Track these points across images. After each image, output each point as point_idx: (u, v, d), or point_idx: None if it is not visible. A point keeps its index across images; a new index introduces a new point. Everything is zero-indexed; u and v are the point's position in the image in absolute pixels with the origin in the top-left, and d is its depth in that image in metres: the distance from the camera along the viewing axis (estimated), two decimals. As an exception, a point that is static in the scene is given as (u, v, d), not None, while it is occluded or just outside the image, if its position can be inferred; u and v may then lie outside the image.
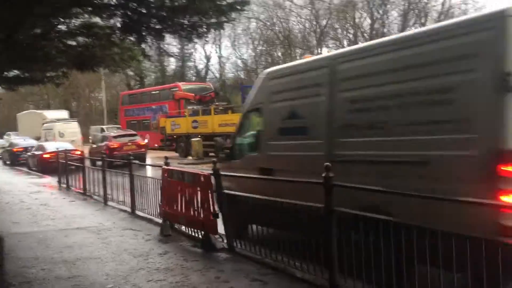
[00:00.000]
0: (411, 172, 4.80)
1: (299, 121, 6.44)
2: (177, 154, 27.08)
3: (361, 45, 7.29)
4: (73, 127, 32.29)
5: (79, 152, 19.16)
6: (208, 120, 25.43)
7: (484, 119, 4.26)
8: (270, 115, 7.02)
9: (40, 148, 23.45)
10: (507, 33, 4.13)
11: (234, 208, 6.55)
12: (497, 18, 4.27)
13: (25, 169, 24.15)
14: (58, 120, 35.79)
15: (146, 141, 31.76)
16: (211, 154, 23.03)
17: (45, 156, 21.74)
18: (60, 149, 19.82)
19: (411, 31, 5.58)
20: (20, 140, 30.39)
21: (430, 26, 5.62)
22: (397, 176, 4.87)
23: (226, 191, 6.75)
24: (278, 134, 6.82)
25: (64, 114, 42.74)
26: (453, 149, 4.46)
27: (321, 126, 6.00)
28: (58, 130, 31.41)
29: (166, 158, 8.66)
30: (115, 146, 22.30)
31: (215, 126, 24.62)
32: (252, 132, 7.77)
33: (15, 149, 27.79)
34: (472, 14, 5.69)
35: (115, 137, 23.86)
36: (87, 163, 14.38)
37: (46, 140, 29.04)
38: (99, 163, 13.01)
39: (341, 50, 7.34)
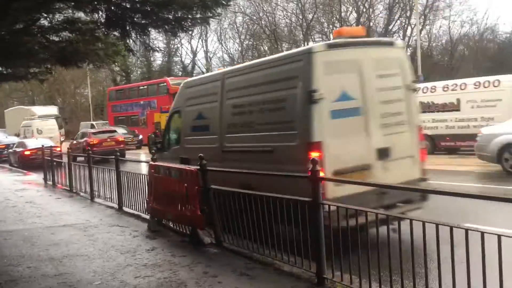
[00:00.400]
0: (265, 157, 6.67)
1: (203, 121, 8.32)
2: None
3: (238, 65, 9.46)
4: (51, 124, 32.94)
5: (59, 149, 19.36)
6: None
7: (300, 121, 6.14)
8: (185, 116, 8.90)
9: (21, 145, 23.64)
10: (312, 63, 6.04)
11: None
12: (306, 53, 6.21)
13: (7, 166, 24.54)
14: (40, 117, 36.11)
15: (140, 137, 31.42)
16: None
17: (26, 153, 22.34)
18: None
19: (261, 59, 8.60)
20: (1, 137, 30.81)
21: (271, 56, 7.74)
22: (258, 161, 6.71)
23: (213, 186, 6.74)
24: (191, 131, 8.69)
25: (53, 110, 42.28)
26: (286, 141, 6.35)
27: (216, 125, 7.89)
28: (36, 127, 32.04)
29: (153, 154, 8.61)
30: (94, 142, 23.09)
31: None
32: (175, 129, 9.49)
33: None
34: (293, 50, 7.94)
35: (94, 133, 24.94)
36: (65, 159, 14.42)
37: (25, 137, 29.49)
38: (80, 158, 12.99)
39: (228, 68, 9.47)
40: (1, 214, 10.04)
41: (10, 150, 25.11)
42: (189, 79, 10.13)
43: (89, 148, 15.77)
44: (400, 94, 6.67)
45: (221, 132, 7.72)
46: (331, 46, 6.33)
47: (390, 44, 7.09)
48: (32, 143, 23.10)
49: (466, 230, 3.62)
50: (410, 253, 4.00)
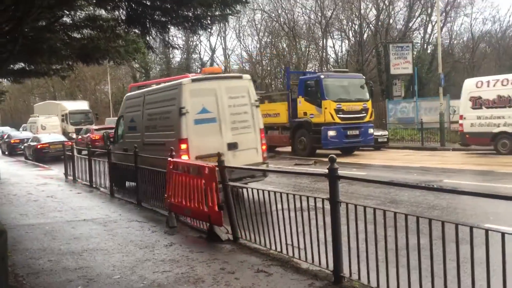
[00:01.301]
0: (161, 148, 9.87)
1: (134, 123, 11.87)
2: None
3: (152, 88, 12.08)
4: (54, 121, 36.91)
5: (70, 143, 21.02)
6: None
7: (176, 126, 9.74)
8: (125, 120, 12.48)
9: (35, 139, 25.76)
10: (182, 91, 9.73)
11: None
12: (179, 85, 9.97)
13: (22, 159, 26.66)
14: (71, 112, 37.40)
15: None
16: None
17: (39, 146, 24.52)
18: (56, 141, 24.20)
19: (160, 85, 11.89)
20: (17, 132, 34.96)
21: (165, 84, 11.53)
22: (159, 150, 9.77)
23: (231, 183, 6.78)
24: (128, 130, 12.28)
25: (84, 104, 42.30)
26: (169, 138, 9.85)
27: (140, 127, 11.44)
28: (41, 123, 35.99)
29: (172, 150, 8.69)
30: (96, 138, 24.28)
31: None
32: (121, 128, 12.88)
33: (12, 141, 31.23)
34: (173, 82, 10.99)
35: (96, 129, 26.03)
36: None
37: (32, 132, 32.90)
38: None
39: (146, 89, 12.22)
40: (23, 208, 10.25)
41: (25, 144, 26.98)
42: (128, 94, 13.29)
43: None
44: (247, 108, 10.38)
45: (142, 131, 11.33)
46: (194, 80, 10.12)
47: (240, 77, 11.08)
48: (45, 137, 25.33)
49: (486, 231, 3.58)
50: (428, 252, 3.97)
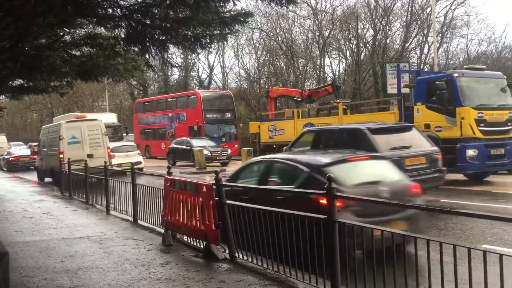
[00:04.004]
0: (55, 156, 18.69)
1: (43, 143, 20.96)
2: None
3: (47, 125, 20.41)
4: (1, 140, 42.26)
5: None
6: (333, 122, 18.37)
7: (57, 146, 19.23)
8: (40, 141, 21.75)
9: (9, 153, 32.65)
10: (60, 127, 19.04)
11: None
12: (59, 124, 19.62)
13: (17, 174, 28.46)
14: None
15: (229, 151, 27.10)
16: None
17: (11, 159, 31.60)
18: (24, 154, 31.27)
19: (53, 123, 20.25)
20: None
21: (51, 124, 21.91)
22: (54, 158, 18.96)
23: (228, 201, 6.76)
24: (42, 147, 21.21)
25: (112, 117, 36.69)
26: (56, 151, 19.08)
27: (46, 145, 20.53)
28: None
29: (169, 167, 8.68)
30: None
31: None
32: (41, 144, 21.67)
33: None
34: (56, 122, 21.59)
35: (35, 145, 29.37)
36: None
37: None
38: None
39: (48, 125, 19.72)
40: (18, 225, 10.17)
41: (1, 157, 33.74)
42: (43, 126, 19.24)
43: (106, 162, 15.92)
44: (99, 136, 19.07)
45: (47, 147, 19.89)
46: (68, 122, 19.52)
47: (96, 120, 20.18)
48: (17, 152, 32.93)
49: (484, 252, 3.58)
50: (426, 272, 3.96)
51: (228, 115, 31.71)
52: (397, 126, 12.07)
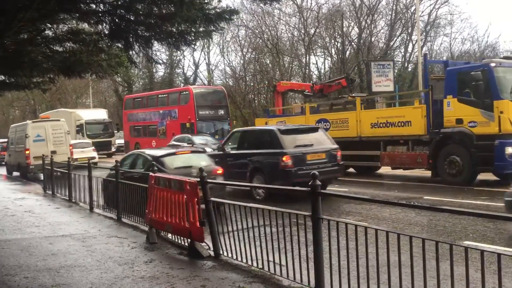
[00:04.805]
0: (22, 152, 21.79)
1: (12, 140, 23.41)
2: None
3: (15, 124, 24.13)
4: None
5: None
6: (350, 118, 17.03)
7: (24, 144, 21.58)
8: (9, 138, 24.03)
9: None
10: (27, 126, 21.47)
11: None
12: (26, 123, 22.07)
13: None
14: (87, 121, 34.16)
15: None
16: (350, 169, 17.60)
17: None
18: None
19: (21, 123, 23.05)
20: None
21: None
22: (20, 153, 21.83)
23: (213, 198, 6.74)
24: (10, 144, 23.64)
25: (102, 113, 37.49)
26: (22, 147, 21.53)
27: (13, 142, 22.90)
28: None
29: (153, 165, 8.62)
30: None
31: (364, 127, 16.38)
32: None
33: None
34: (24, 122, 23.48)
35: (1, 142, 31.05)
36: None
37: None
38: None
39: (15, 124, 23.97)
40: (0, 223, 10.01)
41: None
42: (11, 125, 23.21)
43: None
44: (62, 135, 21.30)
45: (14, 144, 22.46)
46: (34, 122, 22.48)
47: (59, 120, 22.51)
48: None
49: (466, 248, 3.62)
50: (409, 269, 3.99)
51: (222, 112, 30.44)
52: (304, 128, 13.91)
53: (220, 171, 10.80)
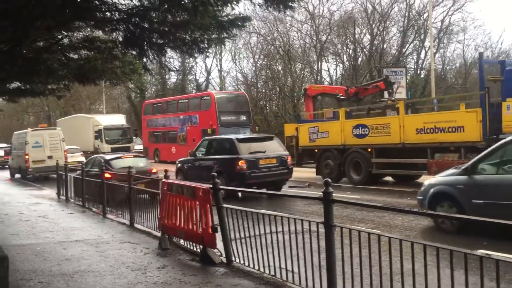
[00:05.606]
0: (22, 157, 24.64)
1: (15, 145, 26.48)
2: (317, 176, 17.99)
3: (17, 132, 27.55)
4: None
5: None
6: (392, 124, 15.52)
7: (24, 149, 24.51)
8: (12, 144, 27.23)
9: None
10: (26, 134, 24.37)
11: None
12: (26, 131, 25.01)
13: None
14: (106, 127, 33.23)
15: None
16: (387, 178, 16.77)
17: None
18: None
19: (23, 130, 25.58)
20: None
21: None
22: (21, 157, 25.21)
23: (226, 205, 6.76)
24: (13, 150, 26.90)
25: (121, 119, 36.46)
26: (22, 153, 24.89)
27: (16, 148, 26.16)
28: None
29: (166, 171, 8.68)
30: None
31: (409, 133, 14.86)
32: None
33: None
34: (25, 130, 25.89)
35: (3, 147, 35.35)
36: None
37: None
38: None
39: (18, 132, 27.27)
40: (14, 228, 10.13)
41: None
42: (15, 132, 25.88)
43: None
44: (58, 142, 24.24)
45: (16, 150, 25.46)
46: (33, 130, 24.92)
47: (55, 129, 26.31)
48: None
49: (481, 257, 3.59)
50: (423, 278, 3.97)
51: (243, 117, 29.58)
52: (259, 137, 16.24)
53: (154, 170, 14.58)
